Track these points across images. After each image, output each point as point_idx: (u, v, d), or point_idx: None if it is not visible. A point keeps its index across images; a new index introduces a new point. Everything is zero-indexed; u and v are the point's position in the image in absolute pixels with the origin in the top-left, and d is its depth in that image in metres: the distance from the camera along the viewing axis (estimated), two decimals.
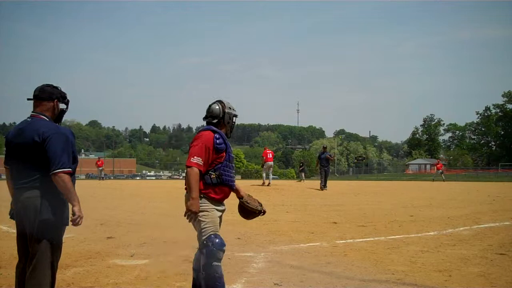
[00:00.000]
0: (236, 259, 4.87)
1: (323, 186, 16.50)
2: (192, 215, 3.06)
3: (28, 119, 2.88)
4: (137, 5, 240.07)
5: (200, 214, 3.09)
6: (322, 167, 16.92)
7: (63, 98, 2.99)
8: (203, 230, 3.12)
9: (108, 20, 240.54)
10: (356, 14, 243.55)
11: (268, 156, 17.24)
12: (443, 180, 28.89)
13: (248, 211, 3.46)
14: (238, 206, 3.48)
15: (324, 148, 18.53)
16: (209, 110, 3.34)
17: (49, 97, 2.91)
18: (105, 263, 4.66)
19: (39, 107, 2.90)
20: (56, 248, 2.81)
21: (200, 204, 3.09)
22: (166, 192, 17.36)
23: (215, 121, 3.32)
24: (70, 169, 2.76)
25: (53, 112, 2.93)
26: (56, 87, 2.97)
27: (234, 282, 3.97)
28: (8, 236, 6.07)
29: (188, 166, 3.09)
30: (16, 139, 2.82)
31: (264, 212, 3.52)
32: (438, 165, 32.02)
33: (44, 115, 2.88)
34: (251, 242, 5.94)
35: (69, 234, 5.90)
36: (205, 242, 3.10)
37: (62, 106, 2.98)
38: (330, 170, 18.66)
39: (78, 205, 2.78)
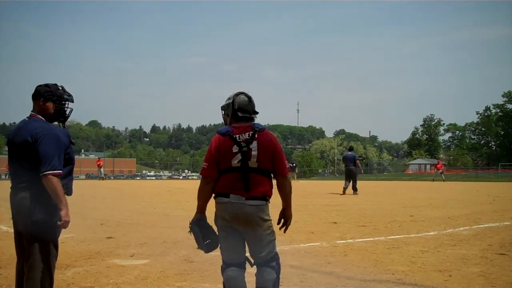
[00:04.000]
0: None
1: (355, 189, 14.98)
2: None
3: (26, 119, 2.88)
4: (137, 5, 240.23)
5: (271, 224, 2.86)
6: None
7: (57, 97, 2.91)
8: (273, 243, 2.85)
9: (108, 20, 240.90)
10: (357, 14, 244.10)
11: None
12: (443, 180, 28.92)
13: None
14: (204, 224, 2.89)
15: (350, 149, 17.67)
16: (253, 103, 2.94)
17: (36, 96, 2.89)
18: (105, 263, 4.66)
19: (34, 106, 2.90)
20: (51, 248, 2.80)
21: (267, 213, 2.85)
22: (166, 192, 17.37)
23: (255, 116, 2.96)
24: (60, 171, 2.71)
25: (43, 111, 2.88)
26: (48, 86, 2.91)
27: None
28: (8, 236, 6.06)
29: (286, 175, 2.92)
30: (14, 138, 2.83)
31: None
32: (438, 165, 32.12)
33: (39, 115, 2.87)
34: None
35: (69, 234, 5.90)
36: (273, 256, 2.84)
37: (56, 105, 2.91)
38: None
39: (65, 209, 2.70)
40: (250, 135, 2.80)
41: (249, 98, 2.93)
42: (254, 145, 2.78)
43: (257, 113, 2.95)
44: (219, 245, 2.87)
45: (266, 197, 2.81)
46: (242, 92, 2.96)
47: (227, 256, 2.84)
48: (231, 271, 2.79)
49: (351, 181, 15.13)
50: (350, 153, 16.24)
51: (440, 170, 31.03)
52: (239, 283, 2.78)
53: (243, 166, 2.76)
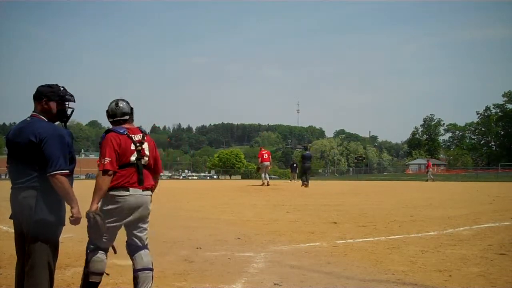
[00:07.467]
0: (236, 259, 4.87)
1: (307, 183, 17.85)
2: None
3: (28, 119, 2.89)
4: (137, 5, 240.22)
5: None
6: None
7: (59, 97, 2.94)
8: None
9: (109, 20, 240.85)
10: (357, 14, 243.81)
11: (264, 157, 17.44)
12: (432, 180, 28.97)
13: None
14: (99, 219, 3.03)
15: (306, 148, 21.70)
16: (121, 107, 3.33)
17: (38, 97, 2.90)
18: None
19: (36, 107, 2.92)
20: (52, 248, 2.81)
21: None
22: (166, 192, 17.35)
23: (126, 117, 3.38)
24: (67, 171, 2.77)
25: (47, 111, 2.90)
26: (50, 86, 2.94)
27: (234, 282, 3.96)
28: (8, 236, 6.06)
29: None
30: (15, 138, 2.83)
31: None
32: (428, 165, 32.63)
33: (42, 115, 2.89)
34: (251, 242, 5.94)
35: (68, 234, 5.87)
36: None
37: (58, 105, 2.95)
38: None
39: (77, 206, 2.81)
40: (141, 137, 3.27)
41: (117, 103, 3.33)
42: (145, 146, 3.27)
43: (127, 114, 3.31)
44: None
45: (152, 189, 3.34)
46: (116, 99, 3.37)
47: (104, 242, 3.15)
48: (101, 254, 3.16)
49: (306, 176, 18.10)
50: (307, 152, 19.71)
51: (429, 169, 31.41)
52: (104, 265, 3.18)
53: (137, 163, 3.19)
